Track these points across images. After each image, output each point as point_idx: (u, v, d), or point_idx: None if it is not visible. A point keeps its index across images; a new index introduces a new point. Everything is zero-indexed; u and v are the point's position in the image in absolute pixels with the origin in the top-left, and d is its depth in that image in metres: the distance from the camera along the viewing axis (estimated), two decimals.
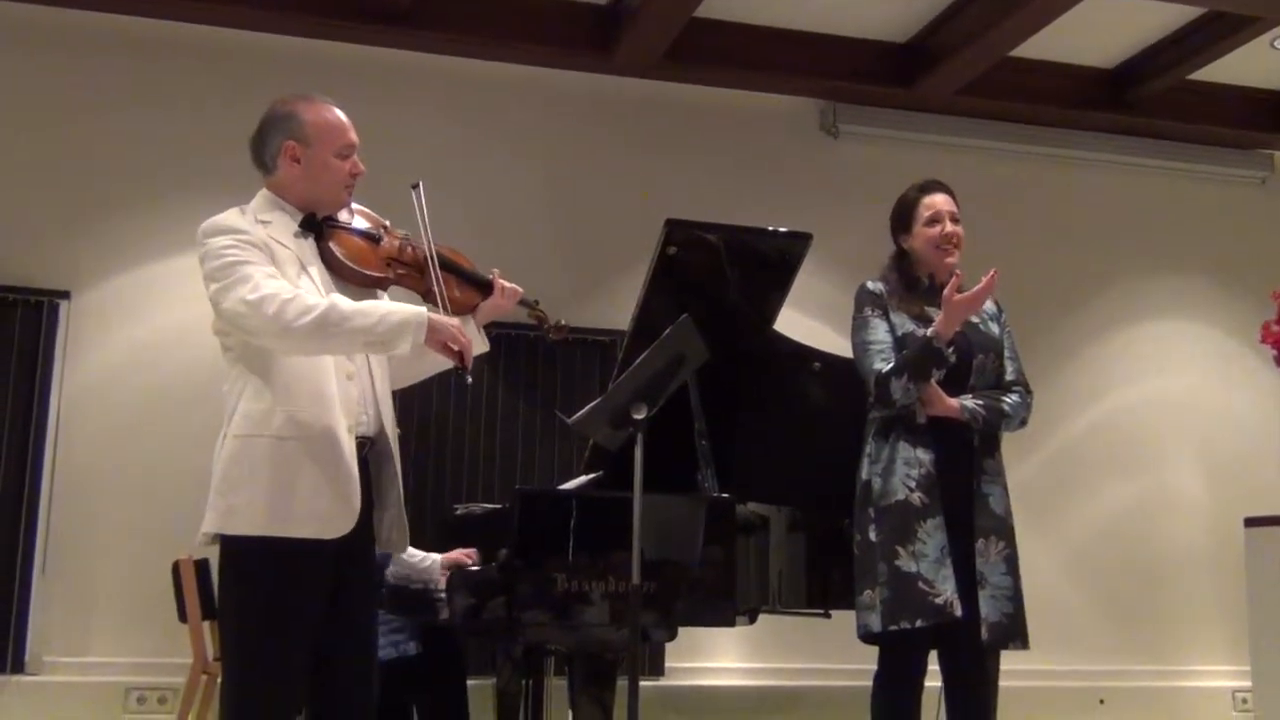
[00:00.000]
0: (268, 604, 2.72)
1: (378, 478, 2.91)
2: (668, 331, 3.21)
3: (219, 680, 4.82)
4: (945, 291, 3.40)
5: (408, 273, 2.96)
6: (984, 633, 3.35)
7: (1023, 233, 7.16)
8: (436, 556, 4.08)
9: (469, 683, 4.46)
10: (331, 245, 2.89)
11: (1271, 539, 4.22)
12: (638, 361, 3.19)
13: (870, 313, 3.56)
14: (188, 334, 6.02)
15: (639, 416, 3.13)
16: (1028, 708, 6.38)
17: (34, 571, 5.68)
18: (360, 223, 2.99)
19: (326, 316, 2.67)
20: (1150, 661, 6.94)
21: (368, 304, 2.75)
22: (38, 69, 6.06)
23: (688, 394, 3.85)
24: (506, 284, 3.07)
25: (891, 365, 3.43)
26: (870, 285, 3.61)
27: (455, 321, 2.81)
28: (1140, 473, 7.17)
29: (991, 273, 3.45)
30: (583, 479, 4.14)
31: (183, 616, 4.90)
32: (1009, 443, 4.61)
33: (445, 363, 2.96)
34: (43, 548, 5.73)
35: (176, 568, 4.94)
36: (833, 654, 3.63)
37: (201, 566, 5.03)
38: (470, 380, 2.87)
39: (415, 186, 3.03)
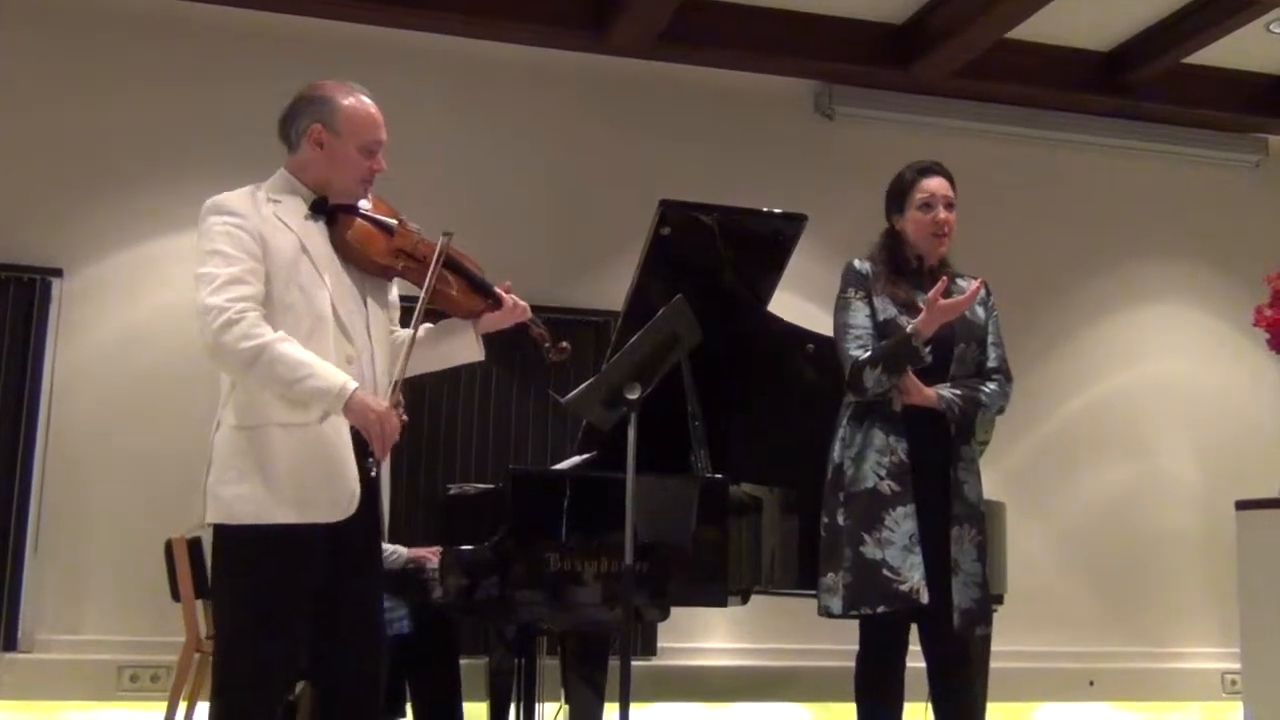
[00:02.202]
0: (263, 589, 2.74)
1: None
2: (661, 312, 3.22)
3: (207, 658, 4.84)
4: (930, 294, 3.39)
5: (415, 267, 2.97)
6: (955, 619, 3.36)
7: (1016, 215, 7.16)
8: (403, 550, 4.08)
9: (462, 662, 4.47)
10: (344, 229, 2.90)
11: (1262, 522, 4.23)
12: (631, 341, 3.19)
13: (853, 294, 3.55)
14: (181, 313, 5.97)
15: (632, 397, 3.14)
16: (1018, 689, 6.41)
17: (26, 549, 5.68)
18: (376, 212, 3.00)
19: (259, 353, 2.67)
20: (1140, 644, 6.97)
21: (302, 358, 2.71)
22: (31, 47, 6.04)
23: (681, 374, 3.85)
24: (517, 300, 3.10)
25: (867, 354, 3.43)
26: (857, 264, 3.59)
27: (382, 407, 2.77)
28: (1132, 456, 7.19)
29: (978, 281, 3.47)
30: (576, 459, 4.15)
31: (175, 595, 4.89)
32: (1002, 425, 4.63)
33: (468, 355, 3.08)
34: (35, 525, 5.73)
35: (169, 546, 4.93)
36: (824, 634, 3.64)
37: (194, 545, 5.02)
38: (373, 471, 2.83)
39: (447, 235, 3.00)
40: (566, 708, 3.61)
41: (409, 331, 2.97)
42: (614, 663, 3.35)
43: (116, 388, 5.91)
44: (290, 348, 2.70)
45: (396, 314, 3.10)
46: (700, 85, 6.81)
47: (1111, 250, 7.34)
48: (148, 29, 6.15)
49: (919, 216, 3.55)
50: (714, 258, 4.18)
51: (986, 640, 4.26)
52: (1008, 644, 5.31)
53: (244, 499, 2.72)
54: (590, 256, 6.30)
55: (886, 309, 3.51)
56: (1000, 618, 4.35)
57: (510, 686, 4.17)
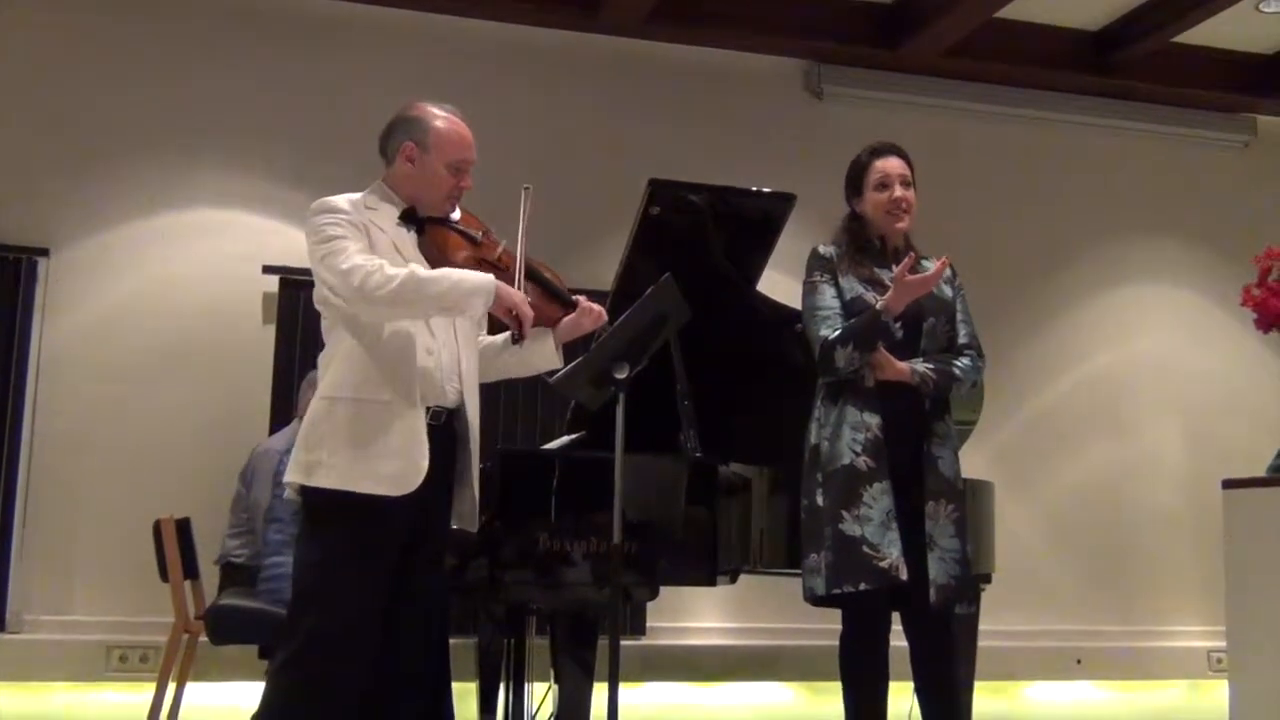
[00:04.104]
0: (341, 553, 2.95)
1: (458, 452, 3.11)
2: (650, 291, 3.21)
3: (196, 638, 4.84)
4: (897, 271, 3.39)
5: (495, 274, 3.12)
6: (932, 595, 3.37)
7: (1006, 194, 7.17)
8: None
9: (451, 642, 4.47)
10: (432, 238, 3.14)
11: (1249, 501, 4.23)
12: (620, 321, 3.19)
13: (819, 278, 3.56)
14: (168, 292, 6.00)
15: (621, 376, 3.13)
16: (1005, 668, 6.44)
17: (14, 530, 5.67)
18: (464, 224, 3.21)
19: (405, 285, 2.91)
20: (1127, 622, 7.00)
21: (441, 271, 3.00)
22: (15, 26, 6.00)
23: (670, 354, 3.85)
24: (592, 305, 3.25)
25: (837, 333, 3.44)
26: (821, 249, 3.60)
27: (521, 294, 3.06)
28: (1119, 435, 7.21)
29: (943, 260, 3.47)
30: (565, 439, 4.14)
31: (164, 575, 4.89)
32: (990, 404, 4.63)
33: (546, 364, 3.26)
34: (23, 506, 5.72)
35: (158, 527, 4.93)
36: (812, 614, 3.65)
37: (182, 525, 5.02)
38: (520, 345, 3.13)
39: (526, 189, 3.25)
40: (556, 687, 3.61)
41: (493, 338, 3.29)
42: (603, 642, 3.36)
43: (104, 367, 5.90)
44: (425, 270, 2.99)
45: (485, 319, 3.29)
46: (689, 64, 6.79)
47: (1099, 229, 7.34)
48: (133, 9, 6.12)
49: (876, 196, 3.56)
50: (703, 237, 4.17)
51: (974, 619, 4.27)
52: (996, 623, 5.33)
53: (320, 465, 2.95)
54: (579, 236, 6.28)
55: (853, 288, 3.51)
56: (988, 597, 4.36)
57: (499, 666, 4.17)
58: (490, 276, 3.02)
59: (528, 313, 3.04)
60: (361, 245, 3.00)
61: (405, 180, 3.15)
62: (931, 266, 3.55)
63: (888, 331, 3.41)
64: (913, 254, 3.46)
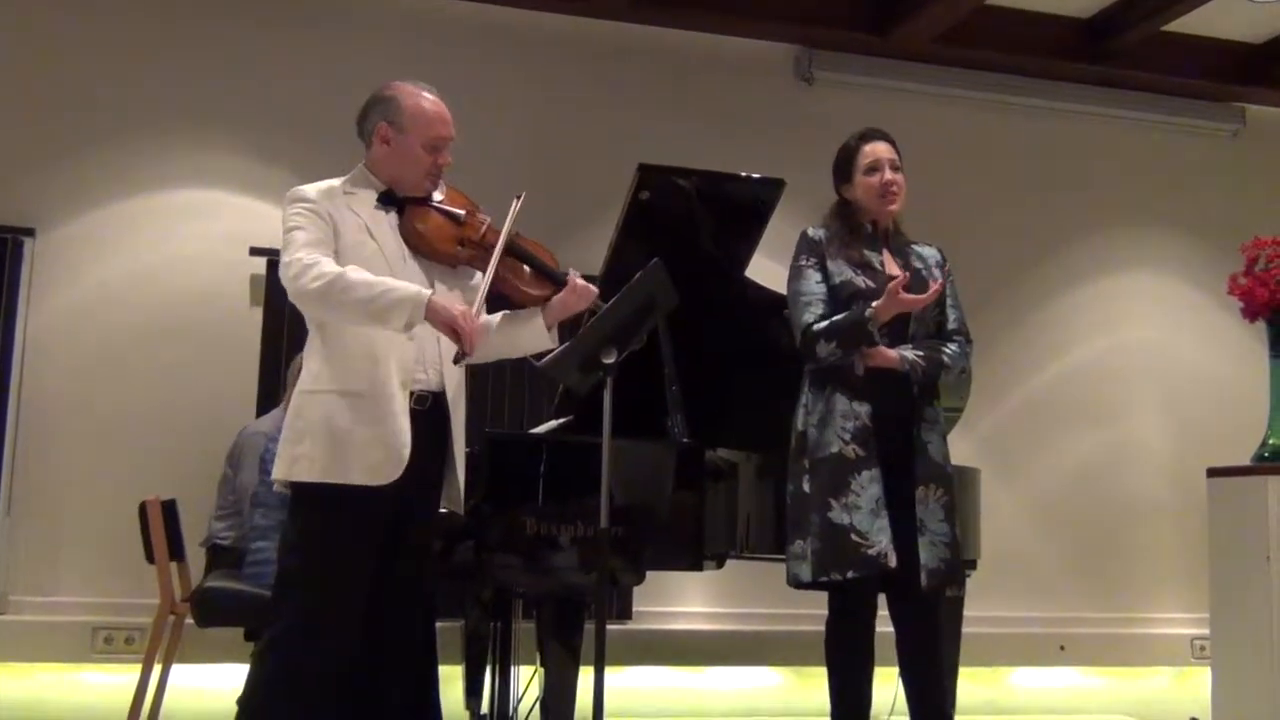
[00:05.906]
0: (324, 539, 2.96)
1: (444, 434, 3.10)
2: (638, 275, 3.20)
3: (182, 620, 4.83)
4: (891, 285, 3.41)
5: (478, 255, 3.12)
6: (923, 579, 3.38)
7: (996, 182, 7.17)
8: None
9: (438, 625, 4.47)
10: (411, 220, 3.11)
11: (1233, 489, 4.26)
12: (608, 305, 3.18)
13: (805, 262, 3.58)
14: (155, 273, 5.98)
15: (608, 361, 3.13)
16: (989, 653, 6.46)
17: None
18: (449, 203, 3.18)
19: (332, 285, 2.88)
20: (1111, 609, 7.02)
21: (376, 279, 2.93)
22: (1, 6, 5.95)
23: (658, 339, 3.85)
24: (580, 283, 3.22)
25: (822, 326, 3.46)
26: (810, 232, 3.62)
27: (461, 308, 2.96)
28: (1106, 423, 7.23)
29: (937, 284, 3.48)
30: (552, 424, 4.14)
31: (150, 557, 4.88)
32: (977, 392, 4.65)
33: (538, 344, 3.22)
34: (8, 487, 5.70)
35: (144, 508, 4.92)
36: (798, 599, 3.66)
37: (168, 507, 5.01)
38: (461, 364, 3.03)
39: (518, 197, 3.22)
40: (542, 671, 3.62)
41: (485, 318, 3.18)
42: (589, 626, 3.36)
43: (90, 348, 5.87)
44: (361, 274, 2.92)
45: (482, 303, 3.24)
46: (679, 49, 6.77)
47: (1088, 217, 7.35)
48: None
49: (866, 180, 3.58)
50: (692, 222, 4.17)
51: (959, 604, 4.29)
52: (980, 609, 5.35)
53: (302, 458, 2.96)
54: (568, 221, 6.25)
55: (842, 272, 3.53)
56: (973, 583, 4.38)
57: (486, 650, 4.18)
58: (424, 292, 2.93)
59: (465, 328, 2.93)
60: (314, 236, 2.98)
61: (383, 161, 3.14)
62: (924, 251, 3.61)
63: (871, 338, 3.44)
64: (906, 274, 3.46)
